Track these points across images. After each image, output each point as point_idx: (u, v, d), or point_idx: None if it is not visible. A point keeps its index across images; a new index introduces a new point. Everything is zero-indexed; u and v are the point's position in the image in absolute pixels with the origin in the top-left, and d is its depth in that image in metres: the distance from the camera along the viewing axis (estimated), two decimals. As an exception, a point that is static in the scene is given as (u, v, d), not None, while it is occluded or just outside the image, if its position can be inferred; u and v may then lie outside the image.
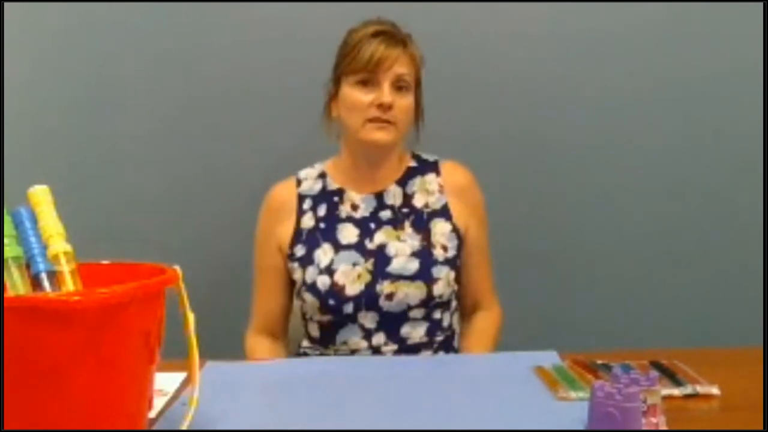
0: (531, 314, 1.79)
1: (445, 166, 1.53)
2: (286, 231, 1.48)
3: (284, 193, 1.52)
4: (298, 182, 1.52)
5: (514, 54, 1.87)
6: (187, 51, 1.87)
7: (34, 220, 0.93)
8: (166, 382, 1.16)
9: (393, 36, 1.41)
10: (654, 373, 0.98)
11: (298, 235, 1.47)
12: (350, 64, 1.40)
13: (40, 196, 0.94)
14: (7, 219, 0.92)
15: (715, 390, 1.12)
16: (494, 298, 1.56)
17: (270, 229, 1.50)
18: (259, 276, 1.53)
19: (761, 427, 0.99)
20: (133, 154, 1.90)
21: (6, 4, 1.81)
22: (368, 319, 1.41)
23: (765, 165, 1.91)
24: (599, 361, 1.24)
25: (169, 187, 1.91)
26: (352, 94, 1.40)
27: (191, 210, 1.92)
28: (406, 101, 1.41)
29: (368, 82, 1.39)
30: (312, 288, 1.41)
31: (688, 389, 1.12)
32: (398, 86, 1.40)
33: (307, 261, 1.43)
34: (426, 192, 1.49)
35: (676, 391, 1.11)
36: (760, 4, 1.86)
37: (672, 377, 1.17)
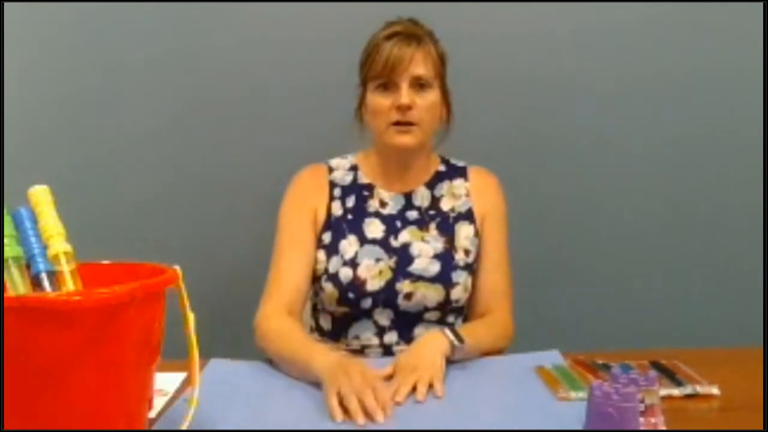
0: (532, 314, 1.78)
1: (473, 170, 1.54)
2: (321, 207, 1.47)
3: (316, 173, 1.51)
4: (330, 169, 1.52)
5: (517, 54, 1.87)
6: (187, 51, 1.87)
7: (34, 220, 0.93)
8: (166, 382, 1.17)
9: (409, 36, 1.40)
10: (653, 373, 0.99)
11: (327, 220, 1.46)
12: (369, 69, 1.41)
13: (40, 196, 0.94)
14: (7, 219, 0.92)
15: (715, 390, 1.12)
16: (507, 312, 1.47)
17: (306, 198, 1.47)
18: (288, 248, 1.44)
19: (761, 427, 0.99)
20: (134, 154, 1.90)
21: (6, 4, 1.81)
22: (383, 317, 1.42)
23: (765, 165, 1.91)
24: (599, 361, 1.24)
25: (170, 187, 1.91)
26: (374, 99, 1.41)
27: (191, 210, 1.91)
28: (427, 100, 1.40)
29: (387, 85, 1.39)
30: (334, 278, 1.41)
31: (688, 389, 1.12)
32: (418, 85, 1.39)
33: (332, 250, 1.43)
34: (453, 196, 1.50)
35: (675, 391, 1.12)
36: (760, 4, 1.86)
37: (672, 377, 1.17)
